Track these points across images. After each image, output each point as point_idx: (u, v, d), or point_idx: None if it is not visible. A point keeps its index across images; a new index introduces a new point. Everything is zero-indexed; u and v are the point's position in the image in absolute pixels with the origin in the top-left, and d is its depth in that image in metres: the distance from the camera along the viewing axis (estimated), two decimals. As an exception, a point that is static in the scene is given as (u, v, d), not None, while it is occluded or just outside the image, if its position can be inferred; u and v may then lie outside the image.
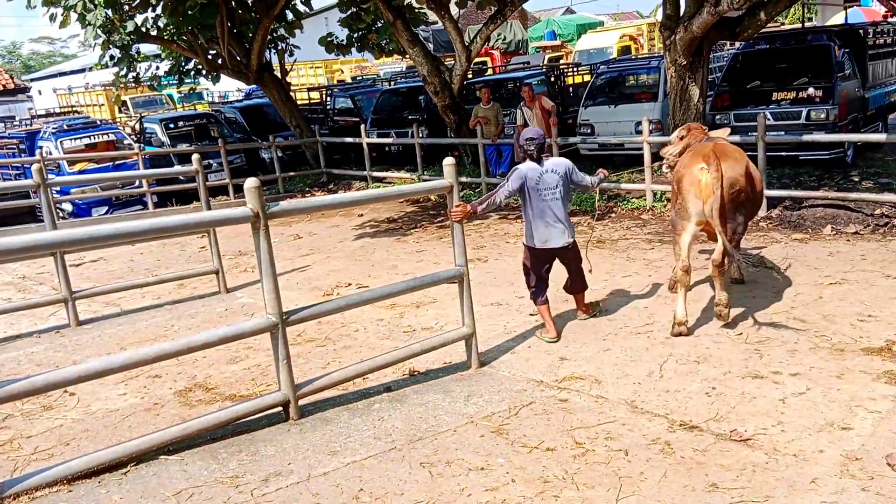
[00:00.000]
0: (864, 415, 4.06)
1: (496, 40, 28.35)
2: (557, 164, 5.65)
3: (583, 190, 5.87)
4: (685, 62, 9.60)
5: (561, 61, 24.75)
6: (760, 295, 6.17)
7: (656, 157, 10.92)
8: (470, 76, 15.47)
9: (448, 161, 4.94)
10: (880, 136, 10.40)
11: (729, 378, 4.68)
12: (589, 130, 12.69)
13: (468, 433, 4.17)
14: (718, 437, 3.95)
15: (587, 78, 17.83)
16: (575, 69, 19.66)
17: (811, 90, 10.69)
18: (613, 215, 9.86)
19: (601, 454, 3.85)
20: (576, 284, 5.97)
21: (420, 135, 13.22)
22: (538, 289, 5.78)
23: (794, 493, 3.38)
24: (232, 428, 4.25)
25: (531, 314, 6.28)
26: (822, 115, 10.22)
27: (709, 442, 3.91)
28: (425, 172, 13.15)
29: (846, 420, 4.02)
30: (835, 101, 10.37)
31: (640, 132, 10.37)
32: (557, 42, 30.12)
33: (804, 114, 10.48)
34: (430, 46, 17.11)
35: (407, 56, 14.13)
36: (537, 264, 5.74)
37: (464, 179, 11.73)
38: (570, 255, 5.79)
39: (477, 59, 21.41)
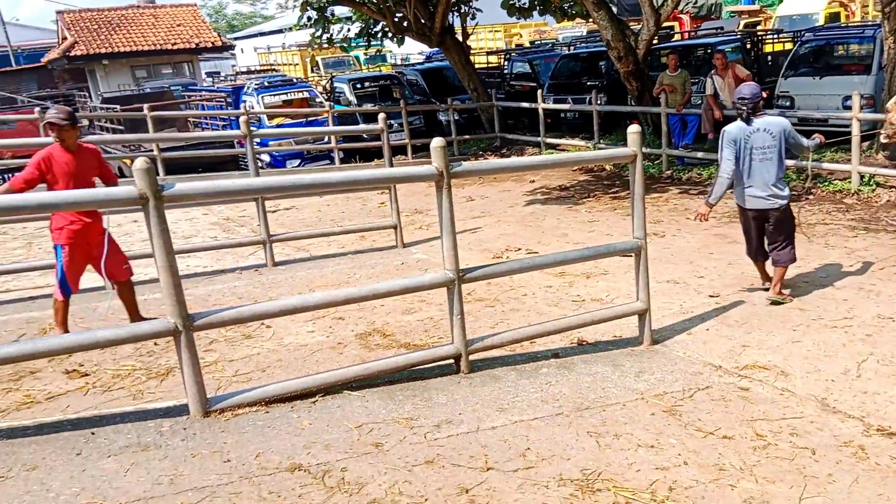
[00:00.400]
0: None
1: (686, 3, 26.67)
2: (771, 123, 5.50)
3: (797, 151, 5.65)
4: (910, 31, 8.50)
5: (759, 27, 22.85)
6: None
7: (867, 136, 9.87)
8: (655, 42, 14.72)
9: (633, 129, 4.78)
10: None
11: (941, 386, 4.20)
12: (788, 103, 11.66)
13: (638, 409, 4.09)
14: (923, 449, 3.58)
15: (788, 46, 16.33)
16: (775, 36, 18.07)
17: None
18: (812, 197, 9.06)
19: (784, 449, 3.62)
20: (778, 254, 5.69)
21: (598, 102, 12.87)
22: (748, 248, 5.89)
23: None
24: (407, 374, 4.47)
25: (711, 295, 5.99)
26: None
27: (911, 452, 3.55)
28: (601, 141, 12.83)
29: None
30: None
31: (848, 107, 9.38)
32: (756, 6, 27.79)
33: None
34: (614, 9, 16.46)
35: (590, 20, 13.72)
36: (745, 223, 5.83)
37: (644, 150, 11.28)
38: (776, 220, 5.60)
39: (664, 24, 20.32)
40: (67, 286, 5.20)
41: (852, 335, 4.97)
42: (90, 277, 7.05)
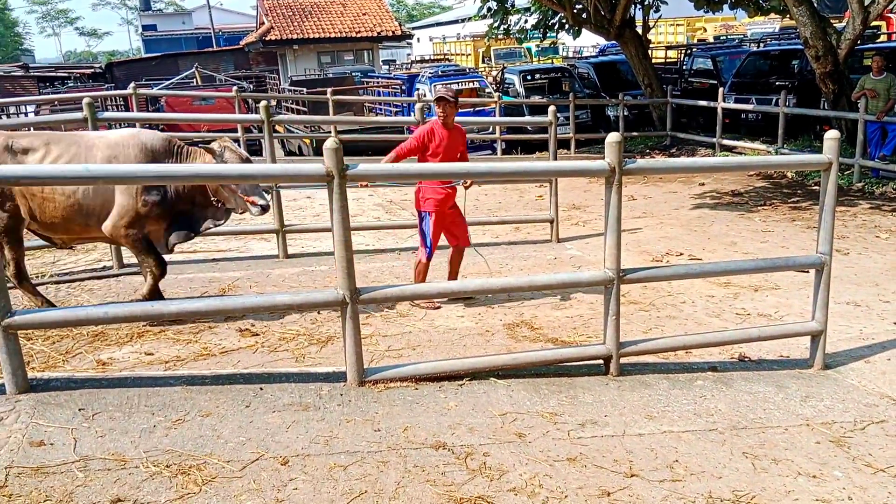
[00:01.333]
0: None
1: (899, 0, 23.93)
2: None
3: None
4: None
5: None
6: None
7: None
8: (859, 42, 13.39)
9: (832, 134, 4.40)
10: None
11: None
12: None
13: (801, 435, 3.80)
14: None
15: None
16: None
17: None
18: None
19: (971, 502, 3.22)
20: None
21: (787, 103, 11.96)
22: None
23: None
24: (554, 369, 4.46)
25: (897, 323, 5.42)
26: None
27: None
28: (784, 146, 11.92)
29: None
30: None
31: None
32: None
33: None
34: (816, 5, 15.14)
35: (786, 15, 12.74)
36: None
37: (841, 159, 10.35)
38: None
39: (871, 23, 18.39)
40: (431, 249, 5.86)
41: None
42: (265, 246, 7.68)
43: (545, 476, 3.27)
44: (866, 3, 11.05)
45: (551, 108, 8.17)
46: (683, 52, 20.63)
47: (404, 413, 3.74)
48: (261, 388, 3.94)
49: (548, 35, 16.35)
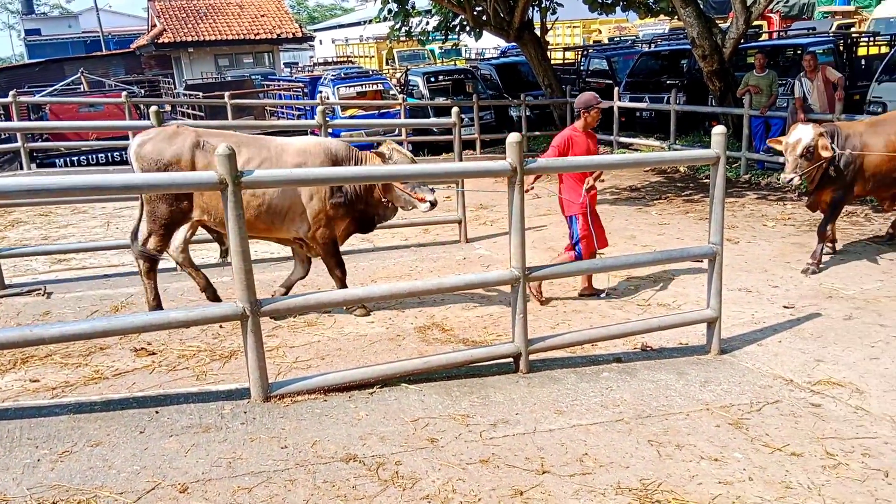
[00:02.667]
0: None
1: (777, 2, 25.61)
2: None
3: None
4: None
5: (853, 29, 21.72)
6: None
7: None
8: (742, 41, 14.18)
9: (719, 129, 4.59)
10: None
11: None
12: (881, 109, 11.03)
13: (702, 420, 3.94)
14: None
15: (885, 50, 15.46)
16: (870, 39, 17.14)
17: None
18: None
19: (856, 470, 3.43)
20: None
21: (677, 101, 12.51)
22: None
23: None
24: (465, 370, 4.45)
25: (785, 306, 5.73)
26: None
27: None
28: (677, 142, 12.46)
29: None
30: None
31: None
32: (851, 7, 26.43)
33: None
34: (702, 6, 15.92)
35: (674, 17, 13.33)
36: None
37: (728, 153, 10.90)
38: None
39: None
40: (580, 251, 6.04)
41: (940, 357, 4.66)
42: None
43: (458, 480, 3.24)
44: (748, 4, 11.69)
45: (454, 110, 8.20)
46: (580, 53, 21.27)
47: (313, 427, 3.62)
48: (156, 412, 3.72)
49: (449, 37, 16.43)
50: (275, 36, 31.87)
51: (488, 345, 4.90)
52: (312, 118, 8.34)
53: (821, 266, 6.51)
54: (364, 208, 5.61)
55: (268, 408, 3.79)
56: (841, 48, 14.23)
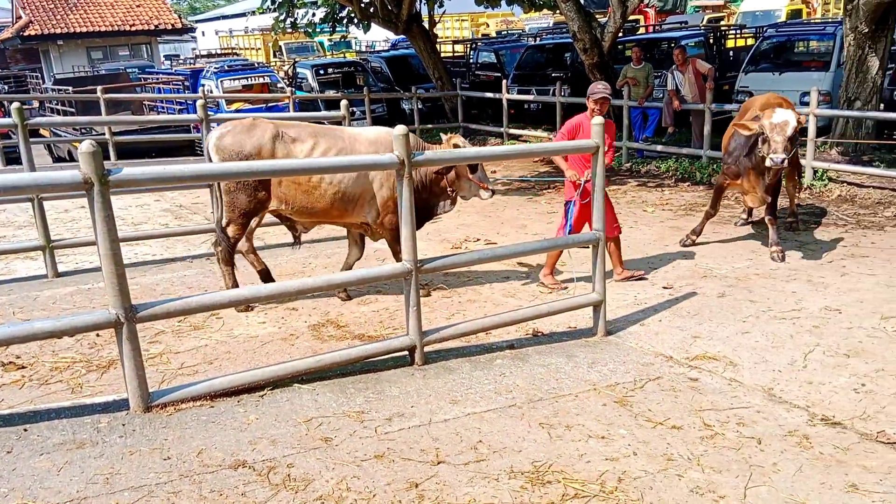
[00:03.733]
0: None
1: (652, -3, 26.90)
2: None
3: None
4: (867, 30, 8.70)
5: (722, 23, 23.15)
6: (930, 291, 5.58)
7: (823, 131, 10.06)
8: (621, 35, 14.80)
9: (597, 121, 4.76)
10: None
11: (882, 376, 4.29)
12: (747, 98, 11.84)
13: (590, 400, 4.09)
14: (863, 437, 3.64)
15: (751, 42, 16.57)
16: (738, 31, 18.31)
17: None
18: (764, 191, 9.20)
19: (731, 439, 3.66)
20: None
21: (563, 93, 12.89)
22: None
23: (950, 509, 3.06)
24: (360, 366, 4.41)
25: (665, 287, 6.04)
26: None
27: (852, 441, 3.62)
28: (564, 132, 12.84)
29: None
30: None
31: (805, 103, 9.53)
32: (720, 2, 28.17)
33: None
34: (582, 1, 16.47)
35: (557, 11, 13.72)
36: None
37: (605, 142, 11.34)
38: None
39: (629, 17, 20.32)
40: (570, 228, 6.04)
41: (800, 327, 5.05)
42: (32, 265, 6.82)
43: (353, 478, 3.20)
44: None
45: (343, 103, 8.10)
46: (469, 46, 21.52)
47: (198, 435, 3.47)
48: (25, 430, 3.45)
49: (337, 29, 16.21)
50: (152, 27, 30.27)
51: (384, 339, 4.87)
52: (194, 112, 7.97)
53: (695, 243, 6.86)
54: (428, 197, 5.85)
55: (149, 418, 3.60)
56: (711, 41, 15.13)
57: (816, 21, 18.77)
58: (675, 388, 4.24)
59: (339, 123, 9.78)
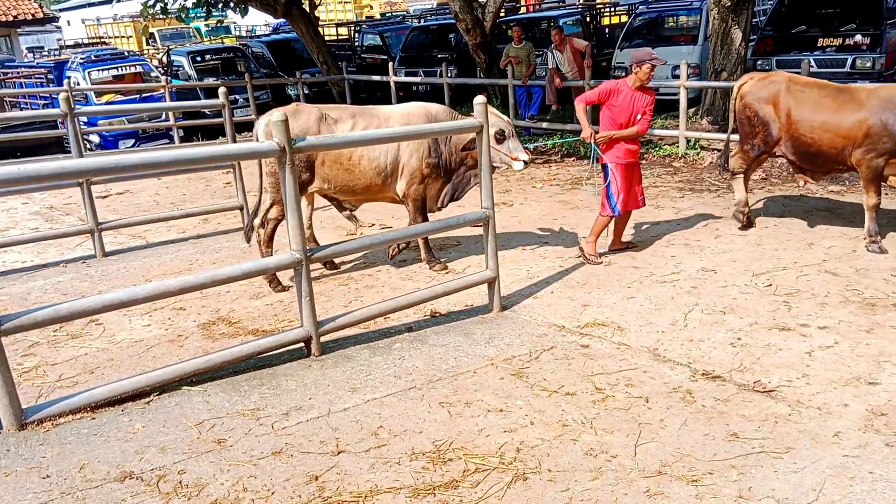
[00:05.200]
0: (892, 370, 3.97)
1: (530, -23, 27.37)
2: None
3: None
4: (729, 3, 9.21)
5: (597, 1, 23.92)
6: (793, 247, 6.02)
7: (693, 102, 10.62)
8: (503, 14, 15.00)
9: (479, 99, 4.79)
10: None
11: (755, 329, 4.60)
12: (624, 73, 12.28)
13: (488, 375, 4.16)
14: (741, 388, 3.90)
15: (625, 19, 17.22)
16: (612, 9, 18.98)
17: (858, 37, 10.21)
18: (644, 162, 9.62)
19: (621, 400, 3.82)
20: None
21: (449, 74, 12.95)
22: None
23: (816, 445, 3.34)
24: (254, 362, 4.28)
25: (555, 259, 6.21)
26: (868, 64, 9.80)
27: (731, 392, 3.86)
28: (453, 113, 12.92)
29: (873, 375, 3.93)
30: (882, 49, 9.91)
31: (676, 76, 10.02)
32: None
33: (849, 62, 10.05)
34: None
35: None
36: None
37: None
38: None
39: (509, -3, 20.66)
40: (616, 207, 5.97)
41: (679, 288, 5.33)
42: None
43: (250, 478, 3.11)
44: (502, -20, 12.37)
45: (221, 90, 7.78)
46: (353, 29, 21.19)
47: (79, 450, 3.27)
48: None
49: (212, 14, 15.53)
50: (10, 18, 27.89)
51: (278, 332, 4.75)
52: (59, 106, 7.41)
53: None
54: (455, 168, 6.07)
55: (24, 436, 3.36)
56: (587, 19, 15.62)
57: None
58: (568, 356, 4.38)
59: (219, 112, 9.49)
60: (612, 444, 3.42)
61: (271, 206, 5.73)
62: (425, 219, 6.10)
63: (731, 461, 3.25)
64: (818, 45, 10.51)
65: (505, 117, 6.13)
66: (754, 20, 10.84)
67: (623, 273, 5.74)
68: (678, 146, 9.77)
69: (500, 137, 5.90)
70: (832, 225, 6.49)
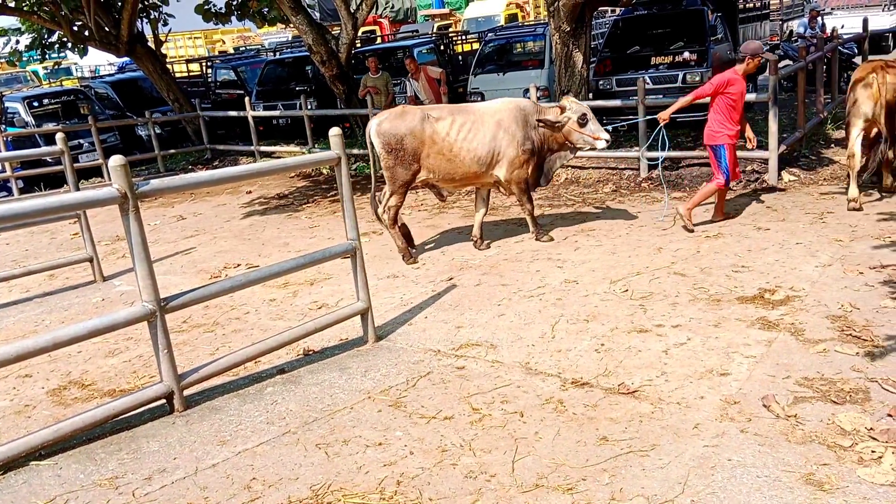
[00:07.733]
0: (740, 360, 4.29)
1: (384, 8, 27.88)
2: None
3: None
4: (569, 28, 9.74)
5: (450, 29, 24.66)
6: (644, 253, 6.40)
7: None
8: (358, 45, 15.11)
9: (334, 131, 4.76)
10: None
11: (616, 334, 4.83)
12: (479, 98, 12.71)
13: (365, 409, 4.09)
14: (608, 392, 4.07)
15: (476, 46, 17.83)
16: (464, 37, 19.62)
17: (686, 54, 11.14)
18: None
19: (497, 418, 3.87)
20: None
21: (308, 106, 12.83)
22: None
23: (678, 439, 3.52)
24: (111, 426, 3.98)
25: (427, 284, 6.26)
26: (697, 78, 10.67)
27: (599, 397, 4.02)
28: (316, 145, 12.80)
29: (724, 366, 4.23)
30: (708, 63, 10.85)
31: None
32: (446, 10, 29.99)
33: (680, 77, 10.91)
34: (316, 14, 16.53)
35: (291, 25, 13.61)
36: None
37: (355, 151, 11.50)
38: None
39: (365, 28, 20.92)
40: (728, 174, 6.81)
41: (546, 301, 5.52)
42: None
43: (109, 554, 2.86)
44: (353, 11, 12.44)
45: (59, 136, 7.27)
46: (205, 64, 20.57)
47: None
48: None
49: (48, 56, 14.56)
50: None
51: (137, 390, 4.43)
52: None
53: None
54: (550, 150, 6.89)
55: None
56: (441, 47, 16.04)
57: (530, 23, 20.75)
58: (445, 380, 4.39)
59: (58, 160, 8.84)
60: (490, 463, 3.45)
61: (391, 195, 6.70)
62: (530, 199, 6.99)
63: (603, 465, 3.37)
64: (652, 63, 11.35)
65: (584, 104, 6.99)
66: (593, 43, 11.55)
67: (493, 292, 5.87)
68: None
69: (583, 121, 6.67)
70: (677, 228, 6.97)
